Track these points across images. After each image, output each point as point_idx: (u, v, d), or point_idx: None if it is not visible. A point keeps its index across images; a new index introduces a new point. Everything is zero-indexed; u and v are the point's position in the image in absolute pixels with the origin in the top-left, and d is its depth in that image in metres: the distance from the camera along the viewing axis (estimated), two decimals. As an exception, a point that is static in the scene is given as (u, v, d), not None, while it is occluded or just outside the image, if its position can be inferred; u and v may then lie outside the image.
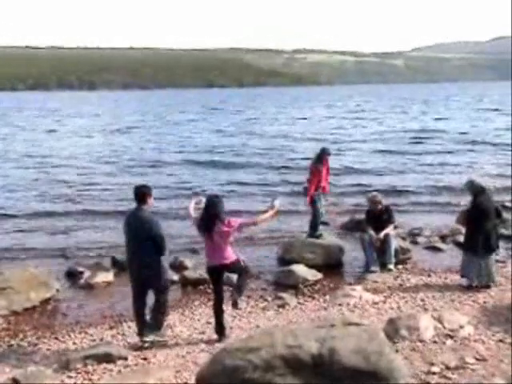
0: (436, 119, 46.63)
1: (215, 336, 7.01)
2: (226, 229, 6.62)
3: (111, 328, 7.69)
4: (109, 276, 9.82)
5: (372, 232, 10.03)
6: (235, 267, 6.85)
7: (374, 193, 10.91)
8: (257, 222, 7.11)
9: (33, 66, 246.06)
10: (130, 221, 6.86)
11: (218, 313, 7.02)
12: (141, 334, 6.93)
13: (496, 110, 57.22)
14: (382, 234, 9.95)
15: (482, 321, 6.98)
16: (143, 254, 6.70)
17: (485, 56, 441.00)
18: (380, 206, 10.22)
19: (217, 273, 6.91)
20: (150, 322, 6.96)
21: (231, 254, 6.78)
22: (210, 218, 6.67)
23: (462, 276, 8.74)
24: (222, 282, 7.05)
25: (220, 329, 7.01)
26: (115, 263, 10.45)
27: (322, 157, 10.83)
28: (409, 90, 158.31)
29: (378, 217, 10.16)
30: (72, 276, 10.01)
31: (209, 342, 6.88)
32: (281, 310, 8.11)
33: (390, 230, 10.10)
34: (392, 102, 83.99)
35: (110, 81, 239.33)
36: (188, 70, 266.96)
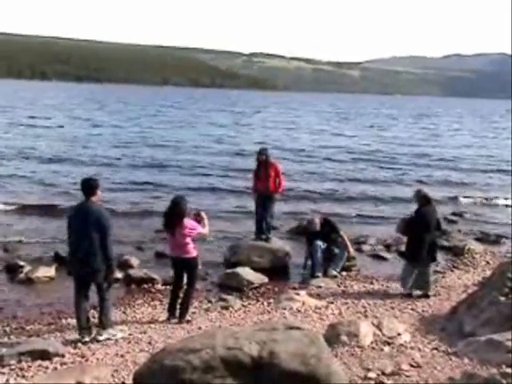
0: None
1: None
2: (186, 231, 7.31)
3: (49, 324, 7.51)
4: (50, 271, 9.57)
5: (320, 242, 10.16)
6: (193, 264, 7.51)
7: (311, 218, 10.96)
8: (207, 235, 8.38)
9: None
10: (79, 213, 6.69)
11: (175, 297, 7.66)
12: (81, 331, 6.77)
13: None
14: (351, 250, 10.37)
15: (419, 329, 7.17)
16: (91, 246, 6.54)
17: (436, 72, 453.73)
18: (318, 227, 10.36)
19: (178, 263, 7.60)
20: (102, 321, 6.81)
21: (192, 250, 7.46)
22: (173, 218, 7.31)
23: (403, 285, 8.96)
24: (182, 272, 7.64)
25: (178, 310, 7.59)
26: (57, 258, 10.20)
27: (257, 157, 11.00)
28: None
29: (321, 231, 10.33)
30: (12, 270, 9.70)
31: (150, 341, 6.80)
32: (224, 312, 8.10)
33: (347, 239, 10.38)
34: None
35: (63, 72, 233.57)
36: (143, 66, 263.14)
